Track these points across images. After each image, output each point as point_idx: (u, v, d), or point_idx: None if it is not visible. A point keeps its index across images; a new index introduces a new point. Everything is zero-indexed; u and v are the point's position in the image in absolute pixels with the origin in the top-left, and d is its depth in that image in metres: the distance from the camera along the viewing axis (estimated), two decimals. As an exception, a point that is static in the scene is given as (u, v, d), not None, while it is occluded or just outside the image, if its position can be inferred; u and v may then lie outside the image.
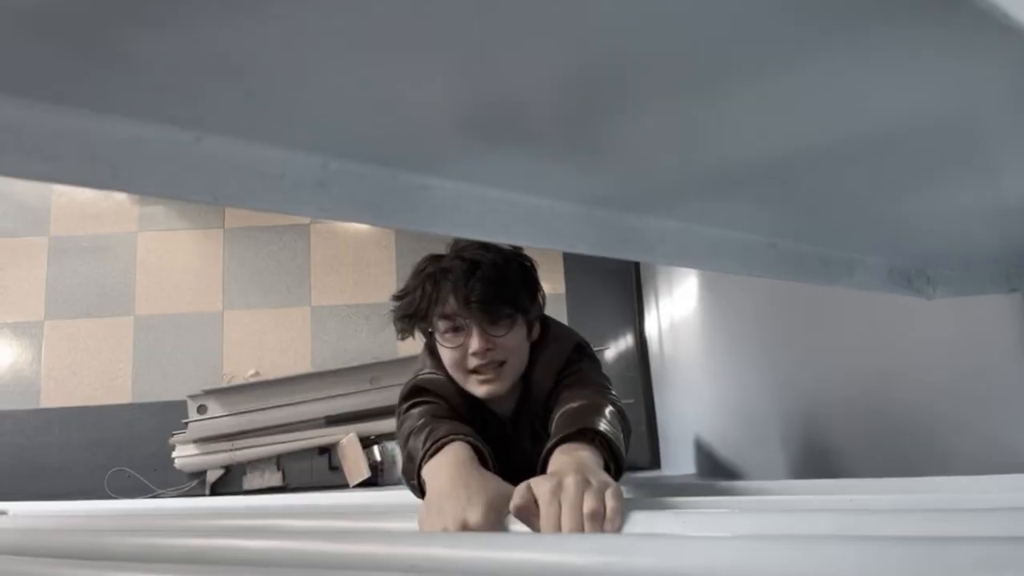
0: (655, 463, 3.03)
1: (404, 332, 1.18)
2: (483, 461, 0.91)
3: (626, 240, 0.62)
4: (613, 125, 0.45)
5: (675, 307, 2.69)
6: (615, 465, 0.88)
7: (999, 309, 0.94)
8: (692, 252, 0.67)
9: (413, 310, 1.12)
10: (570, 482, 0.72)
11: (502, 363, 1.10)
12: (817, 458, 1.57)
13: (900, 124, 0.47)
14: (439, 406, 1.12)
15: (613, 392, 1.08)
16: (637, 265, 3.28)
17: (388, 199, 0.48)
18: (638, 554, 0.52)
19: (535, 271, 1.18)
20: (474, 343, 1.08)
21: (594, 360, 1.20)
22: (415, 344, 1.23)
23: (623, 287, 3.37)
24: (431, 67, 0.36)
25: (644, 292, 3.29)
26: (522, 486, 0.74)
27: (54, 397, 3.16)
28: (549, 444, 0.90)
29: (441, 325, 1.10)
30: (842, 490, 0.86)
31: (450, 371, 1.13)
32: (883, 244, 0.81)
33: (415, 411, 1.11)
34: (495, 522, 0.75)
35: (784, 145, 0.51)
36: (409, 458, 1.02)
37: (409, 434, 1.05)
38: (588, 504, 0.69)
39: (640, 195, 0.60)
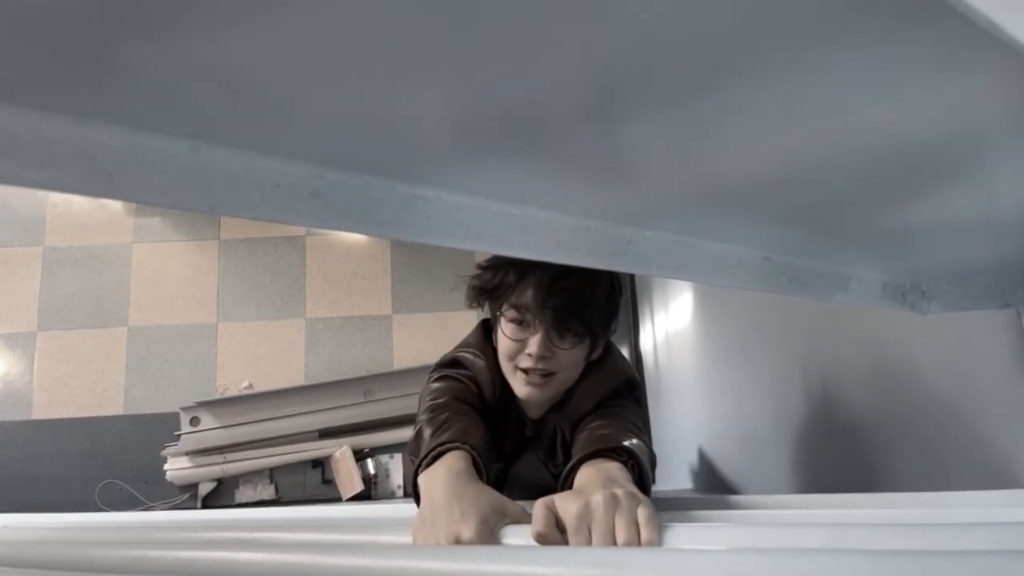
0: (650, 478, 3.01)
1: (473, 302, 1.14)
2: (480, 471, 0.91)
3: (622, 252, 0.62)
4: (609, 138, 0.46)
5: (670, 320, 2.69)
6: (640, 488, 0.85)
7: (994, 325, 0.94)
8: (687, 265, 0.67)
9: (491, 287, 1.09)
10: (599, 503, 0.69)
11: (553, 374, 1.07)
12: (812, 472, 1.56)
13: (895, 138, 0.48)
14: (465, 387, 1.10)
15: (645, 436, 1.03)
16: (632, 278, 3.28)
17: (384, 209, 0.48)
18: (631, 568, 0.51)
19: (620, 296, 1.14)
20: (534, 345, 1.04)
21: (640, 403, 1.16)
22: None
23: (618, 301, 3.36)
24: (427, 78, 0.37)
25: (639, 305, 3.29)
26: (541, 507, 0.71)
27: (46, 409, 3.14)
28: (575, 459, 0.88)
29: (509, 313, 1.07)
30: (836, 504, 0.86)
31: (500, 358, 1.10)
32: (878, 258, 0.82)
33: (438, 385, 1.11)
34: (487, 536, 0.74)
35: (779, 159, 0.51)
36: (418, 435, 1.02)
37: (425, 410, 1.04)
38: (621, 534, 0.67)
39: (636, 208, 0.60)
